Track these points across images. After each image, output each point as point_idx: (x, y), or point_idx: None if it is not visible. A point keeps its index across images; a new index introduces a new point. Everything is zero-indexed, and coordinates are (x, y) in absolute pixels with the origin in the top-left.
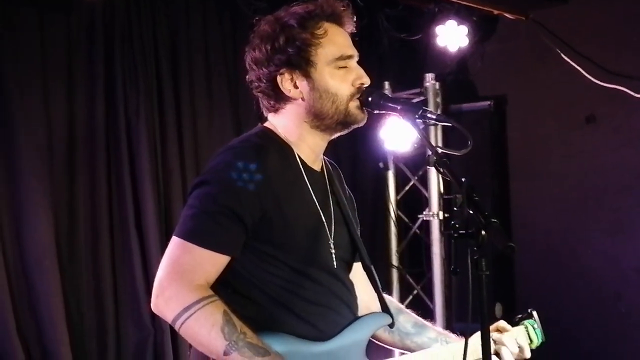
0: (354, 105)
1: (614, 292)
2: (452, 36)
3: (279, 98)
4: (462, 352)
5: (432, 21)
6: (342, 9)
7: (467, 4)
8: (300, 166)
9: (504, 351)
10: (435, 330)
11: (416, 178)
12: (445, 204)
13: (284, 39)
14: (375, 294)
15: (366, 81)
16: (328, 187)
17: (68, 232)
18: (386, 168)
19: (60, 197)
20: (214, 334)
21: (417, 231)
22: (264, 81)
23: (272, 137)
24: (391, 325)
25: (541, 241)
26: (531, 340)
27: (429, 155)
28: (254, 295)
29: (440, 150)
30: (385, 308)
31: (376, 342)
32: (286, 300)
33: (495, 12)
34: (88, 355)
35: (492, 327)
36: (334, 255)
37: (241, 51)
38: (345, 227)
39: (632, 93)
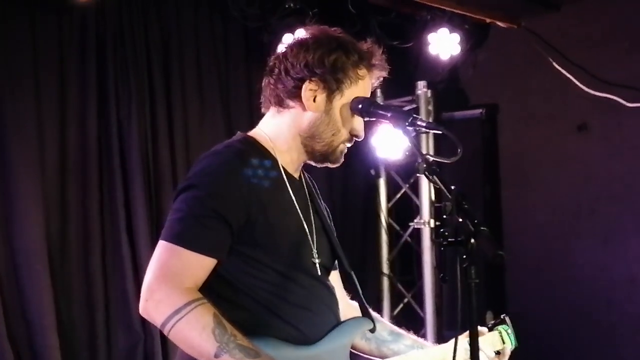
0: (341, 148)
1: (605, 300)
2: (444, 44)
3: (293, 98)
4: (450, 355)
5: (425, 29)
6: (383, 67)
7: (460, 12)
8: (283, 173)
9: (480, 356)
10: (410, 338)
11: (407, 186)
12: (436, 212)
13: (335, 57)
14: (351, 302)
15: (362, 136)
16: (307, 196)
17: (59, 236)
18: (377, 176)
19: (52, 200)
20: (205, 336)
21: (408, 239)
22: (292, 77)
23: (254, 145)
24: (372, 330)
25: (532, 249)
26: (505, 345)
27: (418, 162)
28: (240, 300)
29: (430, 158)
30: (366, 312)
31: (353, 351)
32: (272, 305)
33: (488, 20)
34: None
35: (468, 332)
36: (317, 264)
37: (232, 54)
38: (325, 235)
39: (623, 102)
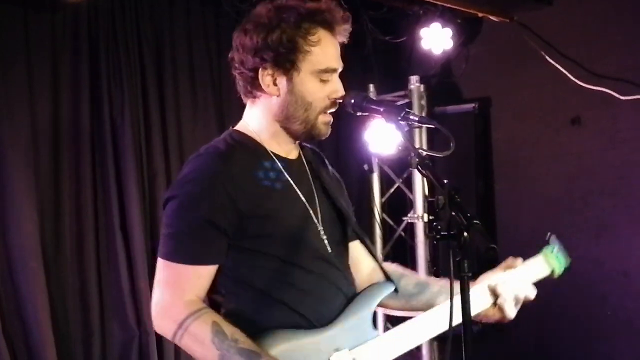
0: (322, 119)
1: (599, 294)
2: (436, 38)
3: (256, 88)
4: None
5: (417, 23)
6: (341, 19)
7: (452, 6)
8: (275, 159)
9: (505, 305)
10: (438, 284)
11: (401, 180)
12: (429, 207)
13: (277, 36)
14: (386, 266)
15: (342, 94)
16: (308, 172)
17: (53, 234)
18: (371, 170)
19: (46, 198)
20: (206, 346)
21: (402, 234)
22: (247, 68)
23: (240, 139)
24: (396, 290)
25: (526, 243)
26: (553, 269)
27: (411, 157)
28: (245, 294)
29: (423, 152)
30: (385, 275)
31: (388, 312)
32: (278, 294)
33: (480, 14)
34: (73, 356)
35: (500, 267)
36: (326, 241)
37: (225, 51)
38: (332, 208)
39: (616, 95)
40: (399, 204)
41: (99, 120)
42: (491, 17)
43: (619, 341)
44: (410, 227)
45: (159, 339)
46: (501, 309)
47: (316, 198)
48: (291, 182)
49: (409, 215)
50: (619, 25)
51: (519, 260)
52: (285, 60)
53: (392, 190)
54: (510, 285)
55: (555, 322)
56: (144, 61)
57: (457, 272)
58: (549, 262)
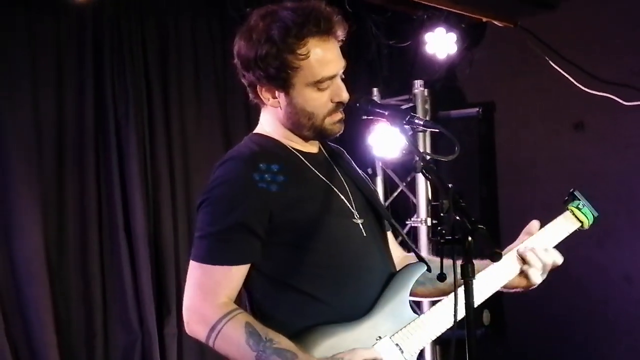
0: (329, 121)
1: (601, 298)
2: (440, 43)
3: (260, 99)
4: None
5: (421, 28)
6: (332, 20)
7: (456, 11)
8: (297, 154)
9: (531, 272)
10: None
11: (404, 184)
12: (433, 211)
13: (265, 55)
14: (404, 251)
15: (345, 98)
16: (331, 162)
17: (57, 235)
18: (374, 174)
19: (50, 200)
20: (241, 348)
21: (405, 237)
22: (248, 83)
23: (260, 141)
24: (429, 270)
25: None
26: (581, 222)
27: (415, 160)
28: (282, 293)
29: (427, 156)
30: (418, 257)
31: (417, 299)
32: (311, 289)
33: (484, 19)
34: (76, 358)
35: (524, 232)
36: (361, 225)
37: (230, 56)
38: (360, 193)
39: (620, 100)
40: (402, 208)
41: (104, 123)
42: (495, 22)
43: (621, 346)
44: (414, 231)
45: (162, 340)
46: (527, 276)
47: (344, 184)
48: (317, 173)
49: (412, 219)
50: (622, 31)
51: (536, 224)
52: (277, 78)
53: (395, 194)
54: (538, 252)
55: (557, 326)
56: (148, 64)
57: (461, 276)
58: (577, 216)
